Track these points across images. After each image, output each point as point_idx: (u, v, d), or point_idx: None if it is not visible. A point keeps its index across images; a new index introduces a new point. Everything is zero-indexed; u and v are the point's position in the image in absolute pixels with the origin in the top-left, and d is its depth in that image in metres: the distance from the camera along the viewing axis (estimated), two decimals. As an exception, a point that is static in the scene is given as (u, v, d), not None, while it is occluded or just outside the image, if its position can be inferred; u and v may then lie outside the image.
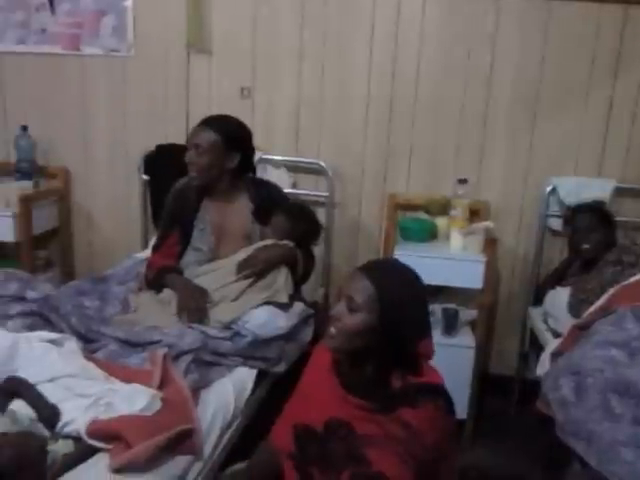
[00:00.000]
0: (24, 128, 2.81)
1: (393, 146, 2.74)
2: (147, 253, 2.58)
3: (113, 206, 3.01)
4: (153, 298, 2.07)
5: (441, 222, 2.64)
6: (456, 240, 2.47)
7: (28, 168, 2.81)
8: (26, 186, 2.76)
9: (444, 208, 2.64)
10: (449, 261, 2.42)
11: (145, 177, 2.86)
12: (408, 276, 1.37)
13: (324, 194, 2.77)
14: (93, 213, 3.04)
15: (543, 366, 2.00)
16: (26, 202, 2.65)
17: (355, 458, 1.28)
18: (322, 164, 2.74)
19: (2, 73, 2.94)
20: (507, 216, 2.72)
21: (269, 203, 2.20)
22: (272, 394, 1.99)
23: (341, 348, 1.36)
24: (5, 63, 2.93)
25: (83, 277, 2.57)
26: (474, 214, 2.59)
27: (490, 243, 2.44)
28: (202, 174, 2.10)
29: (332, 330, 1.35)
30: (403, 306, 1.30)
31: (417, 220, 2.68)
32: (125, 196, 2.98)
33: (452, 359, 2.22)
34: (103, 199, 3.02)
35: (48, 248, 3.02)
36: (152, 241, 2.76)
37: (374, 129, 2.74)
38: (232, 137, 2.12)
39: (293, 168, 2.81)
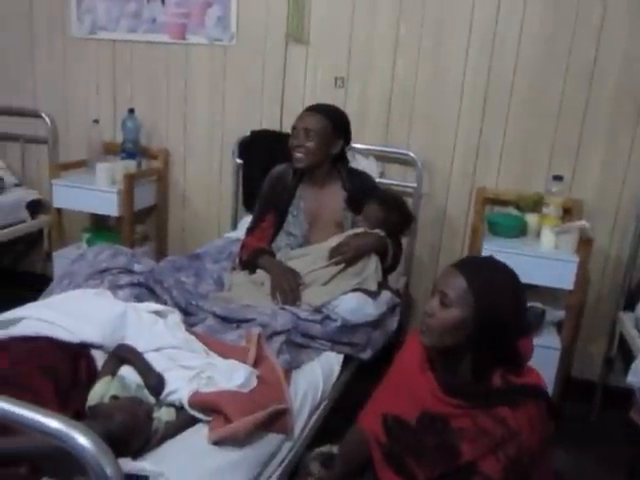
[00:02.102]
0: (131, 111, 2.98)
1: (485, 139, 2.70)
2: (237, 234, 2.69)
3: (207, 187, 3.15)
4: (247, 278, 2.16)
5: (532, 219, 2.58)
6: (548, 238, 2.42)
7: (133, 149, 2.98)
8: (130, 165, 2.93)
9: (536, 205, 2.58)
10: (540, 259, 2.35)
11: (239, 161, 2.96)
12: (504, 273, 1.35)
13: (412, 185, 2.78)
14: (188, 193, 3.19)
15: (636, 374, 1.94)
16: (130, 180, 2.82)
17: (447, 451, 1.31)
18: (412, 155, 2.74)
19: (114, 59, 3.13)
20: (601, 216, 2.63)
21: (362, 192, 2.24)
22: (356, 380, 2.05)
23: (434, 344, 1.36)
24: (117, 50, 3.12)
25: (176, 253, 2.72)
26: (566, 212, 2.53)
27: (584, 243, 2.37)
28: (309, 157, 2.17)
29: (425, 326, 1.36)
30: (498, 303, 1.28)
31: (507, 215, 2.64)
32: (218, 178, 3.10)
33: (536, 359, 2.15)
34: (198, 180, 3.16)
35: (145, 224, 3.21)
36: (241, 223, 2.89)
37: (466, 121, 2.71)
38: (339, 124, 2.21)
39: (382, 158, 2.83)
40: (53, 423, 0.81)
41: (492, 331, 1.29)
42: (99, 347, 1.56)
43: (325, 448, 1.62)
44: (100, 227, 3.25)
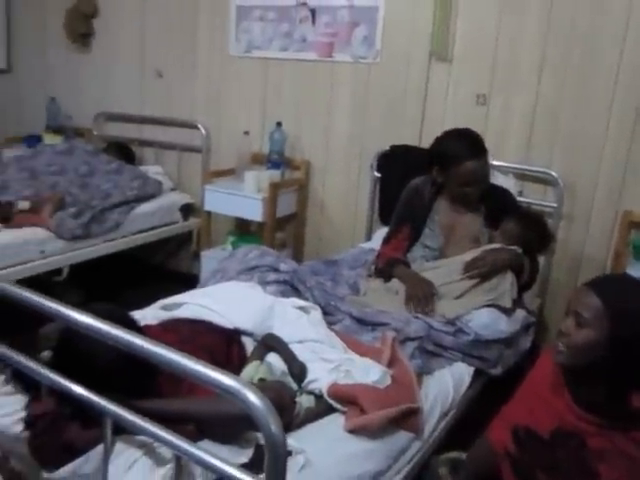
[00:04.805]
0: (279, 124, 3.18)
1: (633, 160, 2.58)
2: (371, 245, 2.79)
3: (344, 199, 3.27)
4: (382, 286, 2.24)
5: (682, 246, 2.44)
6: (700, 267, 2.28)
7: (278, 159, 3.18)
8: (275, 175, 3.13)
9: (688, 231, 2.44)
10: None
11: (377, 174, 3.06)
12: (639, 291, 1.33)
13: (552, 205, 2.72)
14: (326, 203, 3.34)
15: None
16: (274, 189, 3.02)
17: (585, 472, 1.30)
18: (553, 174, 2.69)
19: (266, 76, 3.38)
20: None
21: (501, 208, 2.25)
22: (485, 395, 2.05)
23: (570, 364, 1.36)
24: (269, 67, 3.35)
25: (313, 259, 2.86)
26: None
27: None
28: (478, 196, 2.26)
29: (560, 345, 1.36)
30: (636, 324, 1.26)
31: (655, 241, 2.51)
32: (356, 190, 3.22)
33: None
34: (336, 191, 3.29)
35: (284, 231, 3.40)
36: (375, 235, 2.98)
37: (614, 141, 2.60)
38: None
39: (521, 176, 2.80)
40: (231, 382, 0.93)
41: (629, 352, 1.27)
42: (249, 334, 1.72)
43: (454, 454, 1.65)
44: (243, 231, 3.49)
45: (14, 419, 1.26)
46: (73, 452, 1.18)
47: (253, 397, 0.92)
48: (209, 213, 3.30)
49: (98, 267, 3.20)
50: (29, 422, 1.22)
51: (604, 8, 2.51)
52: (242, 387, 0.92)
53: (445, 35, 2.82)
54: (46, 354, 1.37)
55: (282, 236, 3.34)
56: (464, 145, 2.19)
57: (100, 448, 1.16)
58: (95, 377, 1.18)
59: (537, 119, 2.73)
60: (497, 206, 2.26)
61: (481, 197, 2.26)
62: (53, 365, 1.24)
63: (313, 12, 3.14)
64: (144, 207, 3.33)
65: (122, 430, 1.16)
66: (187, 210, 3.63)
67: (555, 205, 2.70)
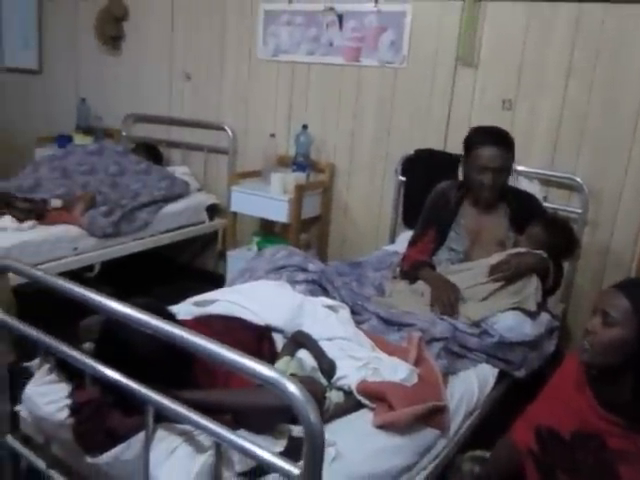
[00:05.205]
0: (305, 127, 3.23)
1: (660, 168, 2.59)
2: (395, 248, 2.82)
3: (368, 202, 3.31)
4: (407, 287, 2.27)
5: None
6: None
7: (304, 162, 3.22)
8: (300, 177, 3.18)
9: None
10: None
11: (401, 178, 3.09)
12: None
13: (576, 210, 2.72)
14: (350, 206, 3.38)
15: None
16: (300, 191, 3.06)
17: (606, 473, 1.32)
18: (578, 180, 2.70)
19: (292, 79, 3.43)
20: None
21: (527, 213, 2.27)
22: (508, 397, 2.07)
23: (595, 363, 1.40)
24: (296, 71, 3.41)
25: (336, 261, 2.90)
26: None
27: None
28: (497, 191, 2.26)
29: (586, 344, 1.39)
30: None
31: (681, 248, 2.51)
32: (380, 194, 3.25)
33: None
34: (360, 195, 3.33)
35: (308, 232, 3.44)
36: (399, 238, 3.01)
37: (641, 148, 2.62)
38: (514, 149, 2.27)
39: (545, 181, 2.81)
40: (271, 373, 0.98)
41: None
42: (279, 331, 1.77)
43: (478, 453, 1.68)
44: (267, 232, 3.55)
45: (58, 406, 1.31)
46: (115, 438, 1.23)
47: (293, 388, 0.96)
48: (235, 214, 3.36)
49: (127, 265, 3.28)
50: (74, 409, 1.28)
51: (634, 11, 2.52)
52: (282, 378, 0.96)
53: (472, 40, 2.84)
54: (87, 346, 1.43)
55: (306, 237, 3.38)
56: (486, 133, 2.26)
57: (141, 435, 1.21)
58: (136, 367, 1.23)
59: (563, 124, 2.74)
60: (523, 210, 2.28)
61: (502, 196, 2.28)
62: (96, 356, 1.30)
63: (340, 17, 3.18)
64: (172, 207, 3.40)
65: (162, 418, 1.21)
66: (213, 210, 3.70)
67: (580, 211, 2.71)
